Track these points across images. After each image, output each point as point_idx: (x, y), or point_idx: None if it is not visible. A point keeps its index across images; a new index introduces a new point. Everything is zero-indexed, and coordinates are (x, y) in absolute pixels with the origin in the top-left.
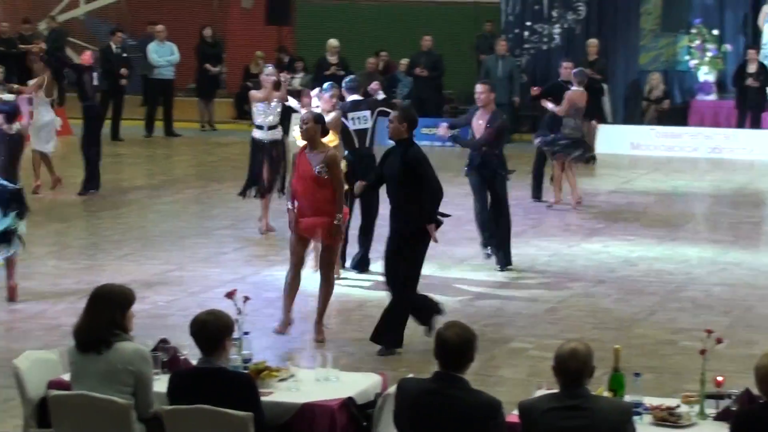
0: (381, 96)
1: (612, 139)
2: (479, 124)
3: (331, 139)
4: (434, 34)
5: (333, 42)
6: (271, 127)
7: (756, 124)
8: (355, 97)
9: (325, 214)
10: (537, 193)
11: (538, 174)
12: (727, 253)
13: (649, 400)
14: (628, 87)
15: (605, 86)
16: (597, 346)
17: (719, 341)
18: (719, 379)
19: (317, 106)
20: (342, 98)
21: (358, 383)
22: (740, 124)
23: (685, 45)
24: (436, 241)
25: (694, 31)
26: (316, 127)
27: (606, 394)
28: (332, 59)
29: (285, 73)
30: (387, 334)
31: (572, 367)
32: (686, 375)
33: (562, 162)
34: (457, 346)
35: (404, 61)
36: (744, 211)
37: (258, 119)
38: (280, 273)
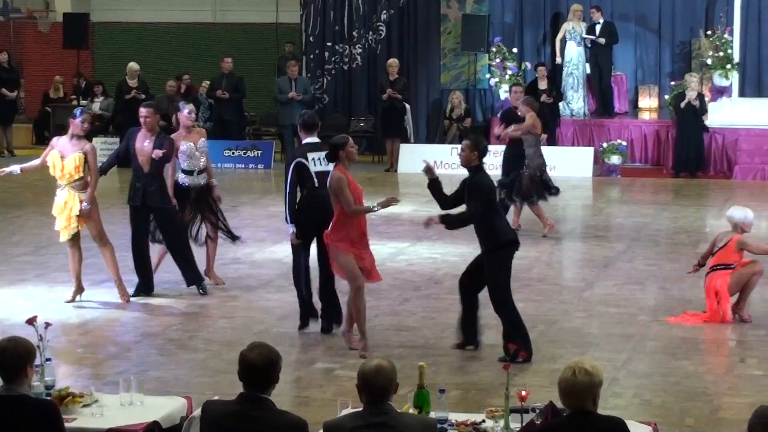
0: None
1: (414, 158)
2: (144, 146)
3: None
4: (237, 55)
5: (133, 65)
6: (201, 171)
7: (551, 141)
8: (314, 139)
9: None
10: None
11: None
12: (530, 270)
13: (455, 416)
14: (430, 106)
15: (407, 105)
16: (403, 364)
17: (523, 356)
18: (523, 393)
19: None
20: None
21: (162, 407)
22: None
23: (486, 63)
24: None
25: (494, 49)
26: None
27: (412, 411)
28: (132, 83)
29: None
30: (518, 341)
31: (379, 383)
32: (491, 390)
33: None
34: (261, 367)
35: (205, 84)
36: (543, 228)
37: (184, 163)
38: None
